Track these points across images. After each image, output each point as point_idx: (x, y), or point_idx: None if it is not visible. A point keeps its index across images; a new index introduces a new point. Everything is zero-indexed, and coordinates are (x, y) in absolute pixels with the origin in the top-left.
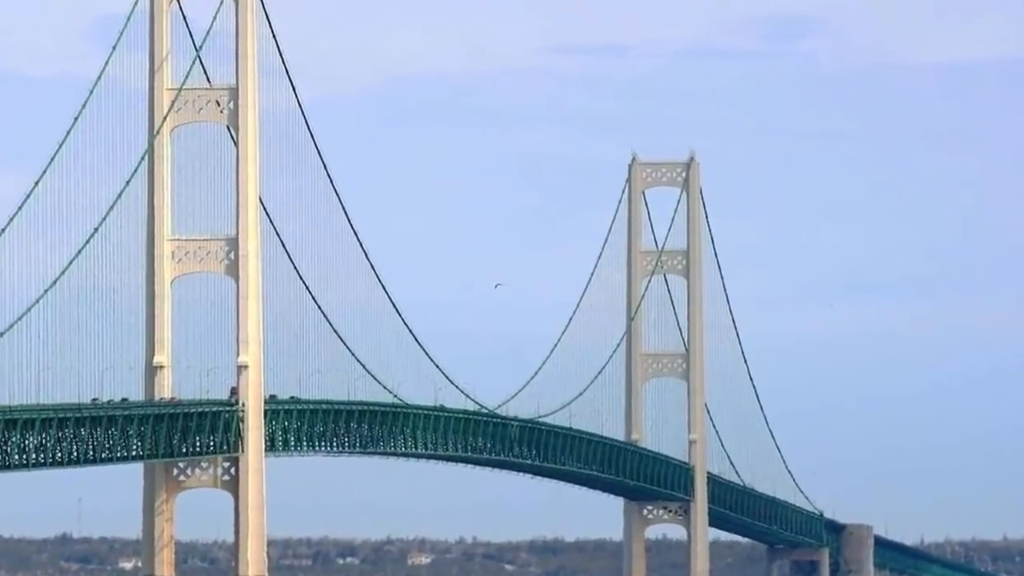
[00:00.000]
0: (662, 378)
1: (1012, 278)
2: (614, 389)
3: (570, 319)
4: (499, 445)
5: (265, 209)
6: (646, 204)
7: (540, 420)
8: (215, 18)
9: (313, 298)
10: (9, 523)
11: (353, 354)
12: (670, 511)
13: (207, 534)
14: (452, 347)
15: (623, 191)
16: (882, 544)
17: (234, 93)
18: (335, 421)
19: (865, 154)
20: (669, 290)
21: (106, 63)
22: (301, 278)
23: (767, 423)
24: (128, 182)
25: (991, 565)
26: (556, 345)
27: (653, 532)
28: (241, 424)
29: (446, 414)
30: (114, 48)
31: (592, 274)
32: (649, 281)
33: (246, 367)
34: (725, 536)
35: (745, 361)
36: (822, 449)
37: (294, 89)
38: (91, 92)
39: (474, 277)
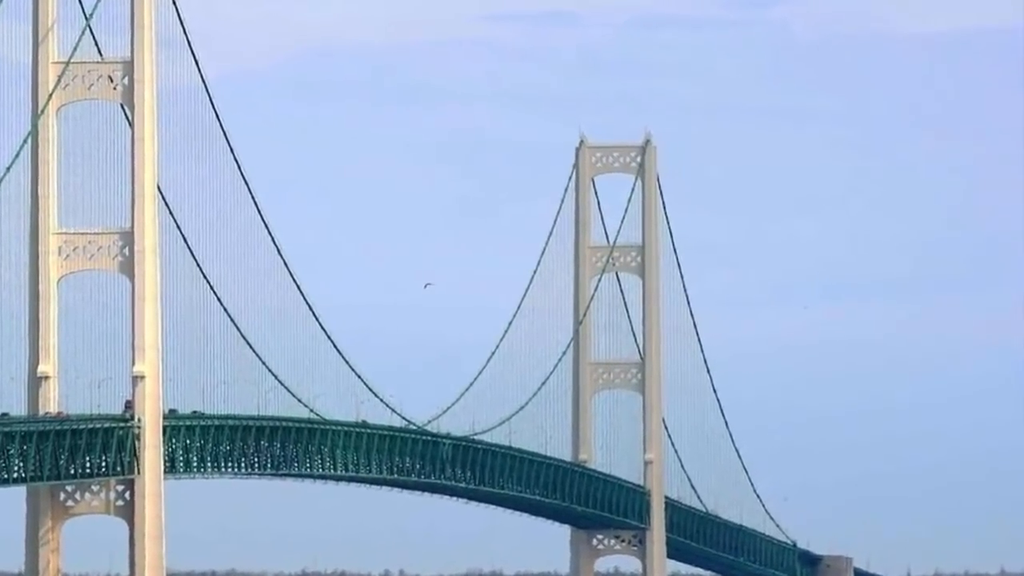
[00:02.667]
0: (614, 390)
1: (1010, 278)
2: (559, 403)
3: (509, 324)
4: (429, 466)
5: (164, 199)
6: (596, 193)
7: (476, 438)
8: None
9: (218, 299)
10: None
11: (264, 363)
12: (623, 541)
13: (98, 567)
14: (376, 355)
15: (570, 178)
16: None
17: (129, 67)
18: (243, 439)
19: (844, 137)
20: (622, 290)
21: None
22: (205, 277)
23: (733, 441)
24: (9, 168)
25: None
26: (493, 353)
27: (604, 564)
28: (137, 442)
29: (369, 431)
30: None
31: (535, 272)
32: (599, 280)
33: (143, 378)
34: (685, 569)
35: (708, 371)
36: (795, 471)
37: (197, 63)
38: None
39: (401, 276)
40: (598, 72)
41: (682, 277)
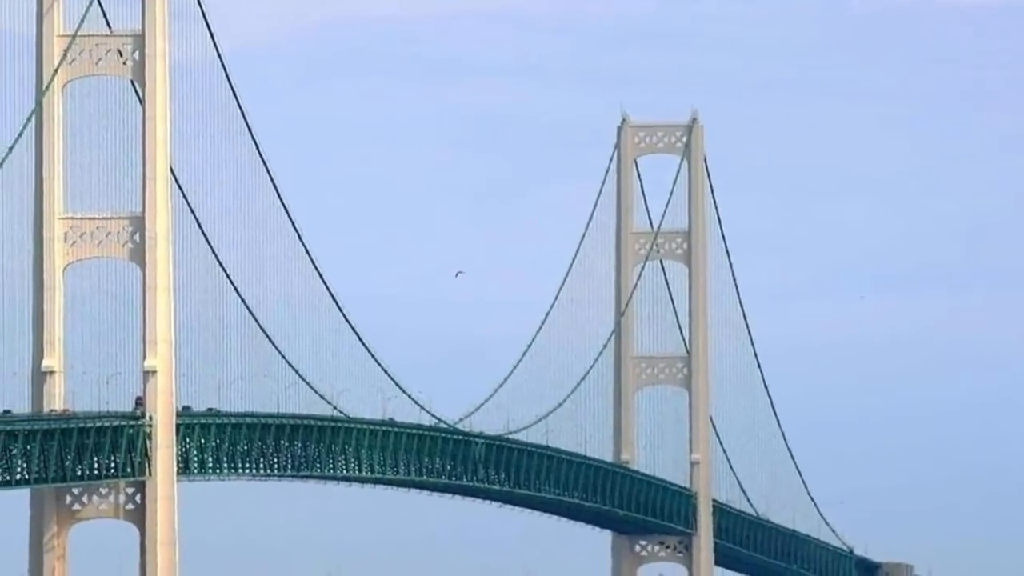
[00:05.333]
0: (658, 386)
1: None
2: (600, 400)
3: (546, 315)
4: (460, 467)
5: (177, 181)
6: (639, 175)
7: (510, 437)
8: None
9: (236, 289)
10: None
11: (284, 357)
12: (668, 547)
13: (107, 574)
14: (404, 349)
15: (611, 160)
16: None
17: (140, 41)
18: (262, 438)
19: (903, 113)
20: (667, 280)
21: None
22: (221, 265)
23: (785, 441)
24: (11, 149)
25: None
26: (529, 347)
27: (647, 572)
28: (148, 442)
29: (396, 430)
30: None
31: (573, 261)
32: (642, 269)
33: (154, 373)
34: None
35: (759, 366)
36: (851, 473)
37: (212, 36)
38: None
39: (430, 265)
40: (639, 45)
41: (731, 265)
